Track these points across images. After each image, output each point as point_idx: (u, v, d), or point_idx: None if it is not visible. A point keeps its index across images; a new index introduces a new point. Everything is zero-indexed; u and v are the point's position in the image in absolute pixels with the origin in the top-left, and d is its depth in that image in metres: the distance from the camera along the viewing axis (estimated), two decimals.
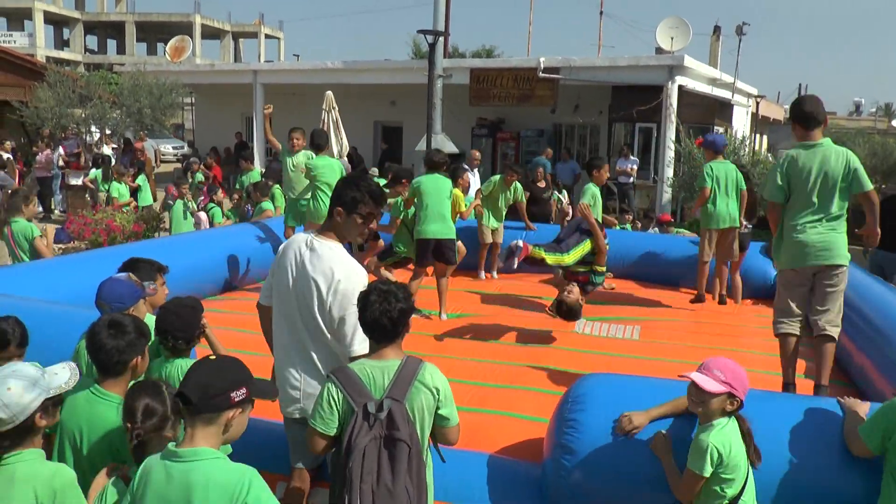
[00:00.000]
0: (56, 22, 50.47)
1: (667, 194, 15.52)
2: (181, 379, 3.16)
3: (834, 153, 4.45)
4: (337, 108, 12.59)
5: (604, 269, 5.82)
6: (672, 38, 17.53)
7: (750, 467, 2.84)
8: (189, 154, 23.51)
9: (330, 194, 3.46)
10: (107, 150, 17.05)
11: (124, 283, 3.44)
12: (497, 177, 8.55)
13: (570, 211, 11.29)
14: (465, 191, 8.66)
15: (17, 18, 48.71)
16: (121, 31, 50.87)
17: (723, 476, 2.75)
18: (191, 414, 2.24)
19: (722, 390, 2.77)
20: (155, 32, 52.10)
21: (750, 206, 7.46)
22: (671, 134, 15.56)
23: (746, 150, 15.20)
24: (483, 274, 8.43)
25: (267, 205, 9.31)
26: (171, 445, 2.27)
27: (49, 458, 2.55)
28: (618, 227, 9.63)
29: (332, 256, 3.07)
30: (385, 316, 2.70)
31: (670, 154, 15.40)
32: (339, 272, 3.02)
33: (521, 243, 5.41)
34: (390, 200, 6.88)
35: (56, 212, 15.45)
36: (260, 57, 50.17)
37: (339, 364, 2.95)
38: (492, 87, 17.66)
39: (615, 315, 6.73)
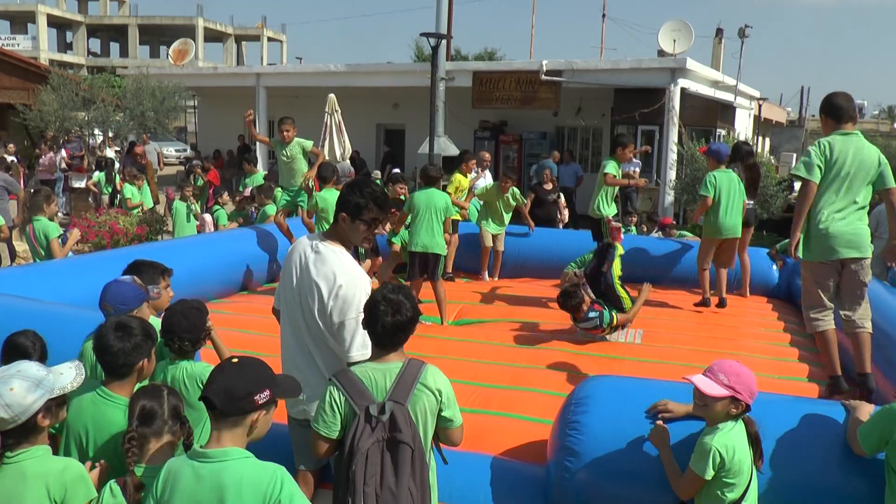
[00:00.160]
0: (59, 25, 50.63)
1: (669, 196, 15.51)
2: (185, 381, 3.20)
3: (867, 145, 4.58)
4: (339, 112, 12.61)
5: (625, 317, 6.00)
6: (674, 41, 17.53)
7: (754, 471, 2.82)
8: (191, 157, 23.52)
9: None
10: (110, 152, 17.09)
11: (129, 285, 3.45)
12: (493, 184, 8.67)
13: (566, 214, 11.29)
14: (468, 175, 8.93)
15: (21, 21, 48.87)
16: (124, 34, 51.03)
17: (724, 480, 2.74)
18: (216, 417, 2.27)
19: (724, 394, 2.75)
20: (158, 35, 52.26)
21: (753, 181, 7.42)
22: (673, 136, 15.56)
23: None
24: (486, 276, 8.47)
25: (271, 209, 9.33)
26: (197, 446, 2.29)
27: None
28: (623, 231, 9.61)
29: (336, 260, 3.07)
30: (395, 326, 2.71)
31: (673, 156, 15.39)
32: (342, 277, 3.03)
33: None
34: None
35: (59, 214, 15.46)
36: (263, 60, 50.28)
37: (341, 367, 2.96)
38: (494, 89, 17.65)
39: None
